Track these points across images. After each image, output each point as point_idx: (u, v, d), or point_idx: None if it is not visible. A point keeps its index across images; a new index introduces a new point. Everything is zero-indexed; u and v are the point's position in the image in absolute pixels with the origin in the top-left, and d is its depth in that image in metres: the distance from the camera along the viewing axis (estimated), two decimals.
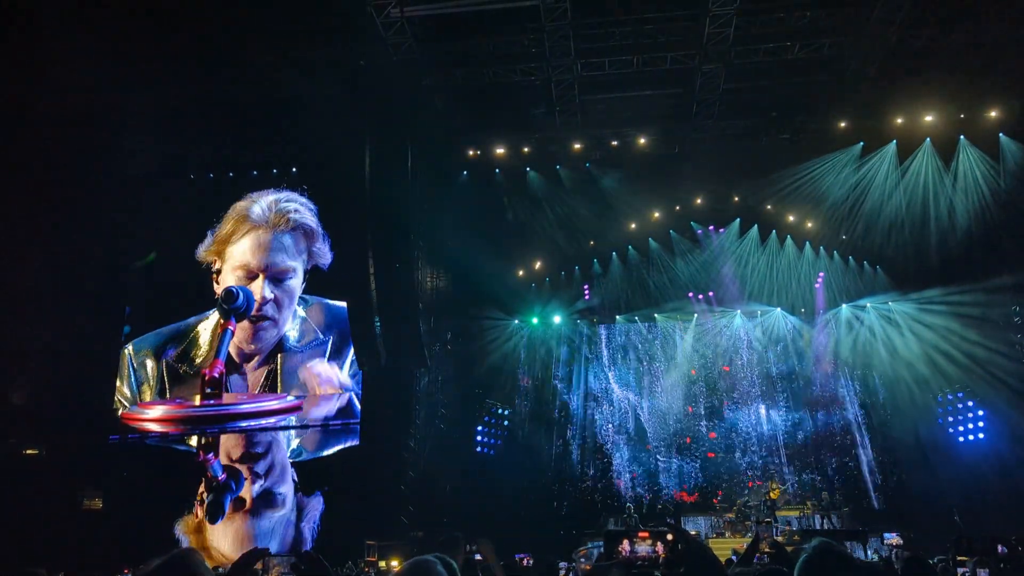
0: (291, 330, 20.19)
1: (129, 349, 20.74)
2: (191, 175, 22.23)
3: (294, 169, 21.76)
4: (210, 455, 19.32)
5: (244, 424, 19.69)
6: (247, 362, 20.07)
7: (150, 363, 20.45)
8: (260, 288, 19.77)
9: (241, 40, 18.21)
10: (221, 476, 18.99)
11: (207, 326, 20.50)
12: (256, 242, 20.23)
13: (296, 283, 20.18)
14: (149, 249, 21.57)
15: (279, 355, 20.04)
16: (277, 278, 19.99)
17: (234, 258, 20.23)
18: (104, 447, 19.92)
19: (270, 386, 19.91)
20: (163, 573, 2.54)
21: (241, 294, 19.11)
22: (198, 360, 20.16)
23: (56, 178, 20.86)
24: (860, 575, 2.85)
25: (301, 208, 20.56)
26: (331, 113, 19.11)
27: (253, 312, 19.55)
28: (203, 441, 19.73)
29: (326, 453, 19.67)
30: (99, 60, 17.82)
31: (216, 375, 18.65)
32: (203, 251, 20.58)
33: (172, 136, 21.12)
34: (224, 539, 18.40)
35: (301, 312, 20.34)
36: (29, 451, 20.89)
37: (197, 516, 18.74)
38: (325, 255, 20.39)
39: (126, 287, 21.59)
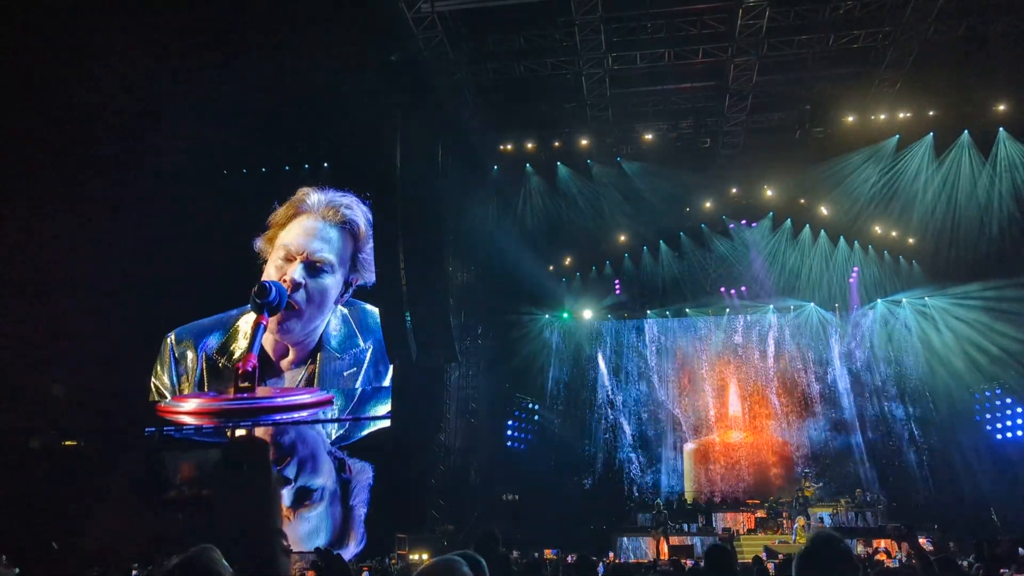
0: (333, 331, 20.18)
1: (171, 337, 20.86)
2: (224, 171, 22.45)
3: (326, 164, 21.92)
4: None
5: (277, 417, 19.85)
6: (283, 360, 20.13)
7: (190, 354, 20.62)
8: (292, 271, 19.70)
9: (274, 36, 18.36)
10: None
11: (248, 319, 20.52)
12: (302, 227, 20.34)
13: (331, 282, 20.07)
14: (185, 243, 21.77)
15: (319, 355, 20.09)
16: (312, 266, 19.92)
17: (280, 243, 20.33)
18: (141, 439, 20.16)
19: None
20: (182, 570, 2.56)
21: (274, 289, 19.22)
22: (236, 354, 20.27)
23: (93, 171, 21.18)
24: (858, 571, 2.84)
25: (355, 207, 20.60)
26: (363, 109, 19.19)
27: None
28: (236, 434, 19.91)
29: (363, 433, 19.79)
30: (136, 55, 18.08)
31: (249, 369, 18.81)
32: (260, 240, 20.72)
33: (206, 131, 21.30)
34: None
35: (344, 311, 20.38)
36: (67, 443, 21.25)
37: None
38: (369, 270, 20.03)
39: (163, 280, 21.79)
